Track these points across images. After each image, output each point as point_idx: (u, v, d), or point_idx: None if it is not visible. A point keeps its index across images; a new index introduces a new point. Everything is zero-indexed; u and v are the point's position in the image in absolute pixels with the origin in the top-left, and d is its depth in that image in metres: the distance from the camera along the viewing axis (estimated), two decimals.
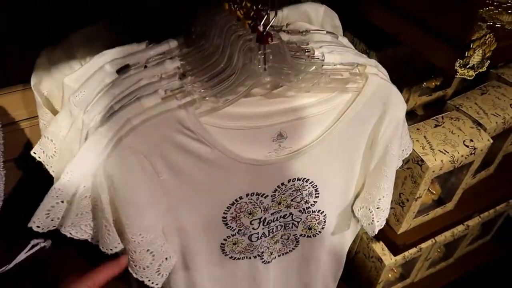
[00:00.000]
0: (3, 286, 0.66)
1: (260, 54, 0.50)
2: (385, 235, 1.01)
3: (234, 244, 0.71)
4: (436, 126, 0.90)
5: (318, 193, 0.69)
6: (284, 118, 0.59)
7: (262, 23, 0.49)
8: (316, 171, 0.66)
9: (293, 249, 0.80)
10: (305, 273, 0.85)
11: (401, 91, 0.97)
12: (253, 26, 0.49)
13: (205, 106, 0.53)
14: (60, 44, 0.65)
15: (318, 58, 0.58)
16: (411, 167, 0.86)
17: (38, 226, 0.54)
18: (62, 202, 0.54)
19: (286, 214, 0.72)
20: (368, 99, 0.60)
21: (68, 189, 0.53)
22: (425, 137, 0.87)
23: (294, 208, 0.71)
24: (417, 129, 0.90)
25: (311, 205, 0.71)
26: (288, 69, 0.55)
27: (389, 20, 0.70)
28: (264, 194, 0.65)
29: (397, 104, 0.63)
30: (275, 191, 0.66)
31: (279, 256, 0.80)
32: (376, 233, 0.75)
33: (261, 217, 0.69)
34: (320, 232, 0.77)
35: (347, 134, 0.63)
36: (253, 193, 0.64)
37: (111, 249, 0.59)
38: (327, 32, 0.66)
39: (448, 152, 0.84)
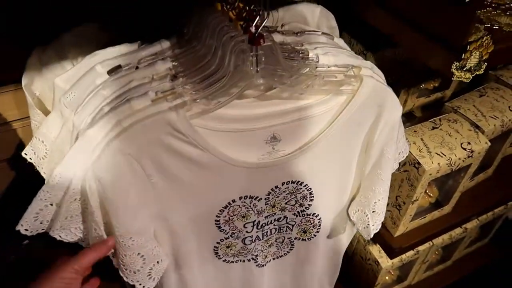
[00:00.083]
0: None
1: (252, 55, 0.49)
2: (382, 238, 1.01)
3: (228, 247, 0.71)
4: (433, 128, 0.89)
5: (313, 196, 0.69)
6: (277, 120, 0.58)
7: (254, 24, 0.48)
8: (310, 174, 0.65)
9: (288, 252, 0.79)
10: (301, 276, 0.84)
11: (398, 93, 0.97)
12: (245, 27, 0.48)
13: (196, 108, 0.52)
14: (51, 44, 0.64)
15: (312, 60, 0.57)
16: (408, 170, 0.86)
17: (26, 229, 0.53)
18: (51, 205, 0.54)
19: (280, 217, 0.71)
20: (363, 102, 0.59)
21: (57, 192, 0.52)
22: (422, 139, 0.86)
23: (289, 211, 0.70)
24: (414, 131, 0.89)
25: (305, 208, 0.70)
26: (281, 71, 0.55)
27: (385, 21, 0.69)
28: (257, 197, 0.64)
29: (393, 106, 0.62)
30: (268, 194, 0.65)
31: (273, 259, 0.79)
32: (372, 236, 0.74)
33: (255, 220, 0.68)
34: (315, 235, 0.76)
35: (342, 137, 0.63)
36: (246, 196, 0.63)
37: None
38: (323, 33, 0.65)
39: (445, 155, 0.83)
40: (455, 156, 0.84)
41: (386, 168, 0.67)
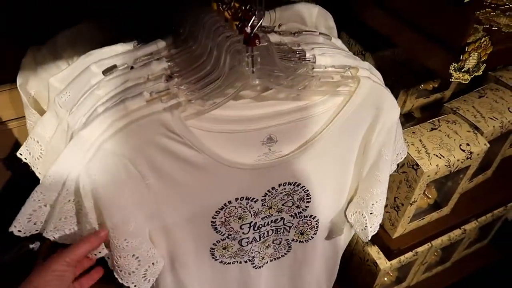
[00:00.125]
0: None
1: (247, 56, 0.49)
2: (380, 239, 1.00)
3: (224, 248, 0.70)
4: (432, 129, 0.89)
5: (310, 198, 0.68)
6: (274, 121, 0.58)
7: (249, 25, 0.47)
8: (307, 175, 0.65)
9: (285, 254, 0.78)
10: (298, 278, 0.84)
11: (398, 93, 0.96)
12: (240, 28, 0.48)
13: (191, 109, 0.52)
14: (46, 44, 0.64)
15: (309, 61, 0.57)
16: (406, 171, 0.85)
17: (19, 231, 0.53)
18: (45, 206, 0.53)
19: (277, 219, 0.70)
20: (360, 103, 0.59)
21: (51, 193, 0.52)
22: (420, 140, 0.86)
23: (286, 213, 0.70)
24: (413, 132, 0.88)
25: (302, 210, 0.70)
26: (278, 72, 0.54)
27: (383, 21, 0.68)
28: (254, 198, 0.64)
29: (391, 108, 0.62)
30: (265, 196, 0.64)
31: (271, 261, 0.78)
32: (369, 238, 0.74)
33: (251, 222, 0.68)
34: (312, 237, 0.75)
35: (339, 138, 0.62)
36: (243, 198, 0.63)
37: (95, 254, 0.58)
38: (320, 33, 0.65)
39: (443, 157, 0.83)
40: (454, 157, 0.84)
41: (383, 169, 0.67)
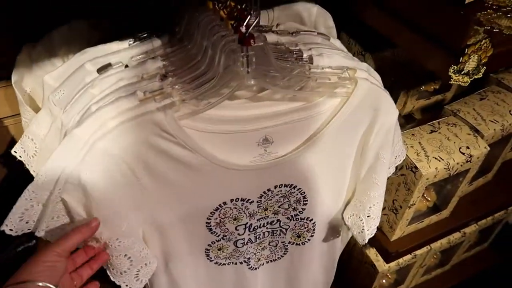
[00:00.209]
0: None
1: (242, 56, 0.48)
2: (378, 241, 0.99)
3: (219, 249, 0.69)
4: (432, 131, 0.88)
5: (307, 200, 0.67)
6: (270, 122, 0.57)
7: (244, 24, 0.46)
8: (304, 177, 0.64)
9: (281, 256, 0.78)
10: (295, 280, 0.83)
11: (398, 94, 0.95)
12: (235, 27, 0.47)
13: (185, 109, 0.51)
14: (41, 41, 0.63)
15: (306, 61, 0.56)
16: (405, 174, 0.84)
17: (11, 229, 0.52)
18: (38, 204, 0.53)
19: (273, 221, 0.70)
20: (357, 105, 0.58)
21: (43, 192, 0.51)
22: (420, 143, 0.85)
23: (282, 214, 0.69)
24: (412, 134, 0.87)
25: (299, 212, 0.69)
26: (274, 72, 0.53)
27: (383, 21, 0.67)
28: (249, 199, 0.63)
29: (389, 110, 0.61)
30: (261, 197, 0.64)
31: (267, 262, 0.78)
32: (366, 241, 0.73)
33: (247, 223, 0.67)
34: (309, 240, 0.75)
35: (336, 140, 0.61)
36: (238, 199, 0.62)
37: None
38: (318, 33, 0.64)
39: (443, 159, 0.82)
40: (453, 160, 0.83)
41: (381, 172, 0.66)
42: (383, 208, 0.94)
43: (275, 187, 0.63)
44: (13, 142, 0.79)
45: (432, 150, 0.83)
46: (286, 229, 0.72)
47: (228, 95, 0.51)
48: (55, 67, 0.62)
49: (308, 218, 0.71)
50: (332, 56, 0.58)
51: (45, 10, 0.64)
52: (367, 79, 0.57)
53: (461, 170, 0.87)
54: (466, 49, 0.56)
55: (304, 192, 0.66)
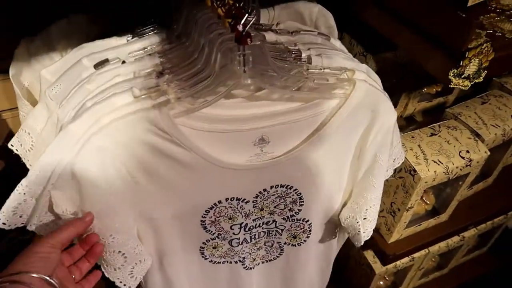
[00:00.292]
0: None
1: (239, 55, 0.48)
2: (376, 244, 0.99)
3: (214, 248, 0.69)
4: (432, 134, 0.87)
5: (303, 201, 0.67)
6: (266, 122, 0.56)
7: (242, 23, 0.46)
8: (300, 178, 0.63)
9: (277, 256, 0.77)
10: (290, 281, 0.83)
11: (399, 96, 0.95)
12: (232, 25, 0.47)
13: (180, 107, 0.51)
14: (40, 35, 0.63)
15: (305, 61, 0.56)
16: (404, 177, 0.84)
17: (4, 223, 0.52)
18: (31, 199, 0.52)
19: (269, 221, 0.69)
20: (355, 106, 0.57)
21: (36, 186, 0.51)
22: (419, 146, 0.84)
23: (278, 215, 0.68)
24: (412, 137, 0.87)
25: (295, 213, 0.69)
26: (271, 72, 0.53)
27: (383, 21, 0.66)
28: (244, 199, 0.63)
29: (387, 112, 0.60)
30: (256, 197, 0.63)
31: (262, 263, 0.77)
32: (362, 243, 0.73)
33: (242, 223, 0.67)
34: (305, 241, 0.74)
35: (333, 142, 0.61)
36: (233, 198, 0.62)
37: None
38: (319, 33, 0.63)
39: (442, 163, 0.81)
40: (453, 164, 0.82)
41: (378, 175, 0.65)
42: (381, 210, 0.93)
43: (271, 187, 0.63)
44: (11, 135, 0.79)
45: (432, 154, 0.83)
46: (282, 230, 0.72)
47: (224, 93, 0.50)
48: (53, 61, 0.62)
49: (304, 219, 0.70)
50: (331, 57, 0.57)
51: (44, 4, 0.63)
52: (365, 80, 0.57)
53: (461, 174, 0.86)
54: (467, 53, 0.55)
55: (300, 193, 0.65)
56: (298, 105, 0.56)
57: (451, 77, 0.56)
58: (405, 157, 0.79)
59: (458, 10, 0.55)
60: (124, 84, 0.51)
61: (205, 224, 0.64)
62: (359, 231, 0.71)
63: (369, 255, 1.11)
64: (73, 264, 0.54)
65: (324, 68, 0.56)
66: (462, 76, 0.57)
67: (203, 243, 0.67)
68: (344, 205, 0.72)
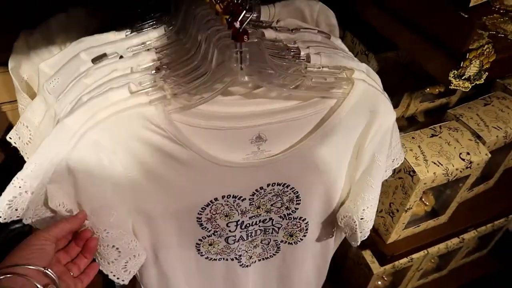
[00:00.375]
0: None
1: (236, 52, 0.47)
2: (374, 244, 0.98)
3: (210, 245, 0.69)
4: (432, 135, 0.86)
5: (300, 200, 0.67)
6: (264, 120, 0.56)
7: (239, 20, 0.46)
8: (297, 177, 0.63)
9: (273, 254, 0.77)
10: (287, 279, 0.83)
11: (401, 96, 0.94)
12: (229, 22, 0.46)
13: (177, 103, 0.51)
14: (39, 28, 0.63)
15: (304, 59, 0.55)
16: (403, 177, 0.83)
17: None
18: (26, 192, 0.52)
19: (266, 219, 0.69)
20: (353, 106, 0.57)
21: (32, 180, 0.51)
22: (419, 147, 0.84)
23: (275, 213, 0.68)
24: (412, 137, 0.86)
25: (292, 211, 0.68)
26: (270, 69, 0.52)
27: (383, 21, 0.66)
28: (241, 197, 0.63)
29: (386, 112, 0.60)
30: (253, 195, 0.63)
31: (259, 260, 0.77)
32: (359, 243, 0.72)
33: (238, 220, 0.67)
34: (302, 239, 0.74)
35: (331, 141, 0.60)
36: (229, 195, 0.62)
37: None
38: (319, 31, 0.63)
39: (442, 165, 0.81)
40: (453, 166, 0.81)
41: (376, 175, 0.65)
42: (380, 211, 0.93)
43: (268, 185, 0.63)
44: (10, 128, 0.79)
45: (432, 155, 0.82)
46: (279, 228, 0.72)
47: (220, 90, 0.50)
48: (52, 54, 0.62)
49: (301, 217, 0.70)
50: (330, 56, 0.57)
51: None
52: (364, 80, 0.56)
53: (461, 176, 0.85)
54: (468, 54, 0.54)
55: (297, 192, 0.65)
56: (296, 104, 0.56)
57: (451, 78, 0.56)
58: (405, 158, 0.78)
59: (459, 10, 0.54)
60: (121, 79, 0.51)
61: (201, 221, 0.64)
62: (355, 231, 0.70)
63: (367, 255, 1.11)
64: (70, 262, 0.54)
65: (322, 67, 0.56)
66: (463, 78, 0.56)
67: (199, 239, 0.67)
68: (341, 204, 0.72)
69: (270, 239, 0.74)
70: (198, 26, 0.51)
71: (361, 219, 0.69)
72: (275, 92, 0.55)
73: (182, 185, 0.58)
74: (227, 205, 0.63)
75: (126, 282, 0.62)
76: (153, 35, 0.57)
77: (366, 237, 0.72)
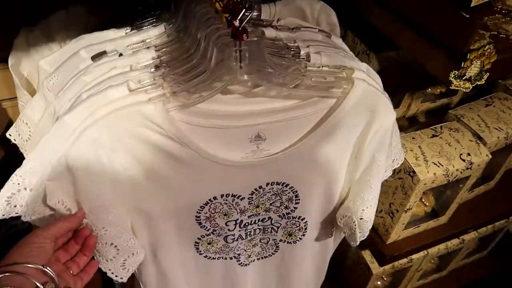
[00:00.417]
0: None
1: (235, 50, 0.47)
2: (374, 244, 0.98)
3: (209, 243, 0.69)
4: (433, 136, 0.86)
5: (299, 199, 0.67)
6: (263, 119, 0.56)
7: (238, 18, 0.45)
8: (296, 176, 0.63)
9: (272, 253, 0.77)
10: (286, 278, 0.83)
11: (402, 96, 0.94)
12: (229, 21, 0.46)
13: (176, 101, 0.50)
14: (39, 25, 0.63)
15: (303, 59, 0.55)
16: (403, 178, 0.83)
17: None
18: (25, 189, 0.52)
19: (264, 218, 0.69)
20: (353, 106, 0.57)
21: (31, 177, 0.51)
22: (420, 147, 0.83)
23: (274, 212, 0.68)
24: (413, 138, 0.86)
25: (291, 210, 0.68)
26: (269, 68, 0.52)
27: (385, 20, 0.65)
28: (240, 196, 0.62)
29: (386, 112, 0.60)
30: (252, 194, 0.63)
31: (258, 259, 0.77)
32: (358, 243, 0.72)
33: (237, 219, 0.66)
34: (301, 238, 0.74)
35: (330, 141, 0.60)
36: (228, 194, 0.62)
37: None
38: (319, 30, 0.63)
39: (442, 165, 0.80)
40: (453, 167, 0.81)
41: (376, 175, 0.65)
42: (380, 211, 0.93)
43: (267, 184, 0.62)
44: (10, 125, 0.79)
45: (432, 155, 0.82)
46: (278, 227, 0.71)
47: (220, 89, 0.50)
48: (52, 51, 0.62)
49: (300, 217, 0.70)
50: (330, 55, 0.56)
51: None
52: (364, 80, 0.56)
53: (461, 177, 0.85)
54: (469, 54, 0.54)
55: (297, 191, 0.65)
56: (295, 103, 0.56)
57: (452, 79, 0.56)
58: (405, 158, 0.78)
59: (461, 10, 0.54)
60: (120, 77, 0.51)
61: (200, 219, 0.64)
62: (355, 231, 0.70)
63: (367, 255, 1.11)
64: (69, 260, 0.54)
65: (322, 66, 0.55)
66: (463, 78, 0.56)
67: (198, 238, 0.67)
68: (341, 204, 0.72)
69: (269, 238, 0.74)
70: (197, 24, 0.51)
71: (361, 219, 0.69)
72: (275, 91, 0.55)
73: (181, 184, 0.58)
74: (226, 204, 0.63)
75: (125, 280, 0.62)
76: (153, 33, 0.57)
77: (365, 237, 0.72)
